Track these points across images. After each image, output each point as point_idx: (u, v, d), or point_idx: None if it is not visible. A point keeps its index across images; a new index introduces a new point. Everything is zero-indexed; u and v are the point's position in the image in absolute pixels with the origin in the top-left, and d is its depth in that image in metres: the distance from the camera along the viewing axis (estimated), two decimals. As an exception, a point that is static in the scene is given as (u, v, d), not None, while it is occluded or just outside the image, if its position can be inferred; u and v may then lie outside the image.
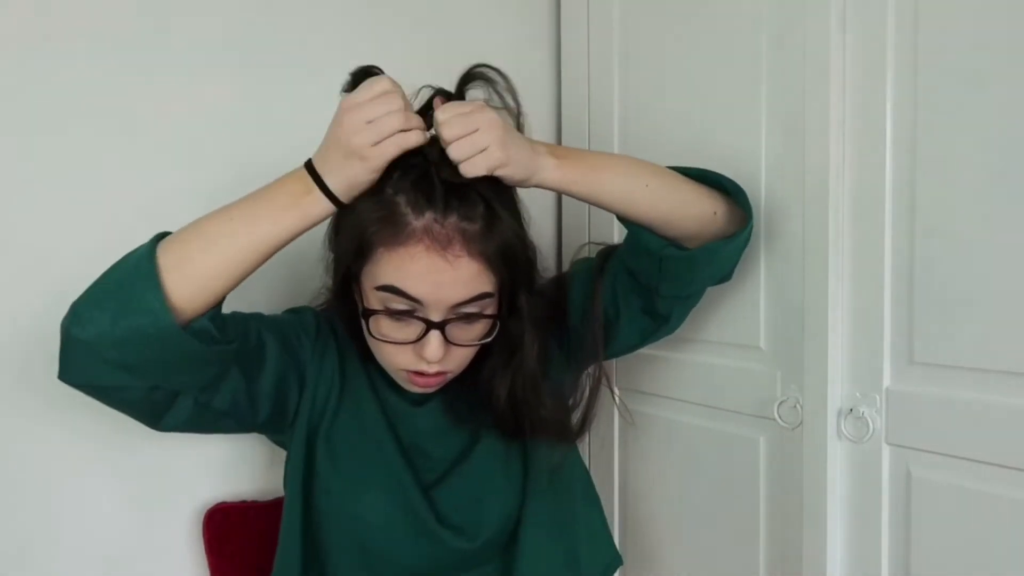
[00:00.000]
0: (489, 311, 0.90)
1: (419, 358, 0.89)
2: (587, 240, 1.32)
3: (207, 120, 1.14)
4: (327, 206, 0.83)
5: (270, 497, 1.18)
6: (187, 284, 0.79)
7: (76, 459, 1.09)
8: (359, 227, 0.85)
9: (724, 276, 1.04)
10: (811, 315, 0.99)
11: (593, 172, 0.90)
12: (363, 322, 0.90)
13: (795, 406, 1.02)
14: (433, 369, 0.90)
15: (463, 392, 0.98)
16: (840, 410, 0.98)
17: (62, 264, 0.97)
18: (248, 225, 0.81)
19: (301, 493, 0.97)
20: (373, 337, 0.90)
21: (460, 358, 0.93)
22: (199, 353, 0.81)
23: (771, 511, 1.08)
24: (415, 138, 0.81)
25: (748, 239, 1.00)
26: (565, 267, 1.38)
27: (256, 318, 0.96)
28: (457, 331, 0.89)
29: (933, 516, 0.91)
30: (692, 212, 0.94)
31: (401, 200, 0.83)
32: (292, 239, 0.84)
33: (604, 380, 1.00)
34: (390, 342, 0.89)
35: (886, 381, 0.94)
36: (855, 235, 0.96)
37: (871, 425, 0.95)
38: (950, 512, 0.90)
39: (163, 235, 0.83)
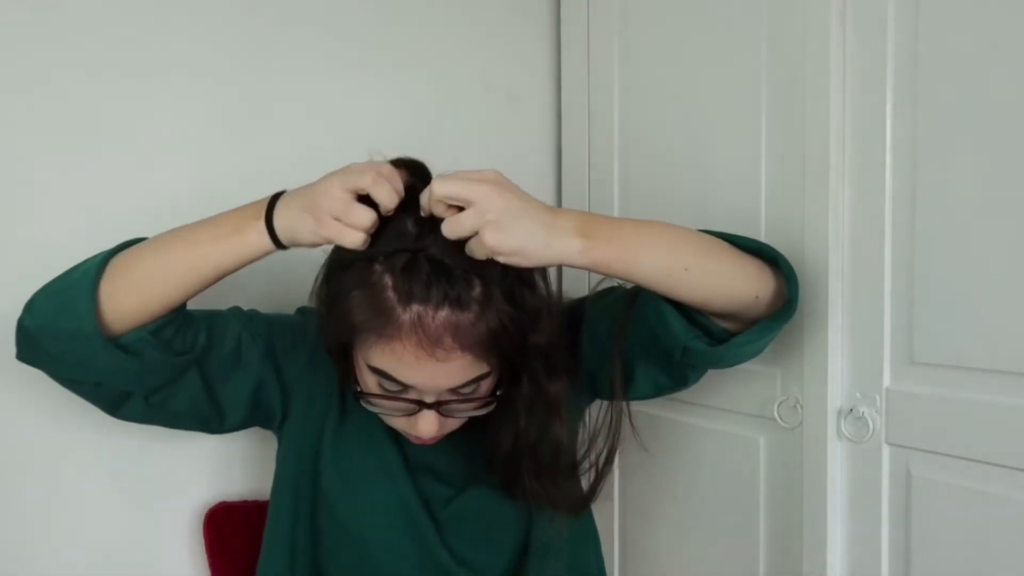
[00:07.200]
0: (487, 385, 0.86)
1: (414, 426, 0.86)
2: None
3: (210, 125, 1.14)
4: (266, 241, 0.79)
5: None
6: (123, 295, 0.79)
7: (76, 459, 1.09)
8: (347, 313, 0.81)
9: (755, 356, 0.95)
10: (811, 315, 0.99)
11: (628, 254, 0.81)
12: (355, 388, 0.88)
13: (795, 406, 1.02)
14: (428, 435, 0.87)
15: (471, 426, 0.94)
16: (840, 410, 0.98)
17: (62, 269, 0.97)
18: (191, 244, 0.80)
19: (292, 503, 0.96)
20: (369, 403, 0.87)
21: (457, 424, 0.90)
22: (125, 364, 0.80)
23: (771, 511, 1.08)
24: (351, 239, 0.76)
25: (782, 327, 0.90)
26: (564, 284, 1.36)
27: (243, 320, 0.94)
28: (453, 406, 0.86)
29: (933, 516, 0.91)
30: (732, 295, 0.85)
31: (389, 283, 0.78)
32: (231, 265, 0.81)
33: (629, 420, 0.93)
34: (385, 413, 0.88)
35: (886, 381, 0.94)
36: (855, 235, 0.96)
37: (871, 425, 0.95)
38: (950, 512, 0.90)
39: (133, 241, 0.83)
